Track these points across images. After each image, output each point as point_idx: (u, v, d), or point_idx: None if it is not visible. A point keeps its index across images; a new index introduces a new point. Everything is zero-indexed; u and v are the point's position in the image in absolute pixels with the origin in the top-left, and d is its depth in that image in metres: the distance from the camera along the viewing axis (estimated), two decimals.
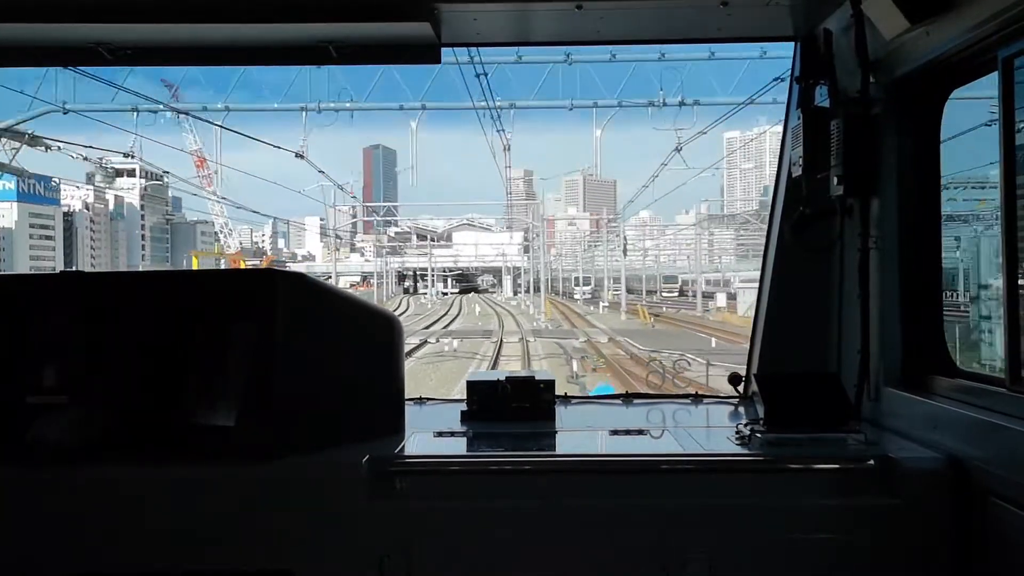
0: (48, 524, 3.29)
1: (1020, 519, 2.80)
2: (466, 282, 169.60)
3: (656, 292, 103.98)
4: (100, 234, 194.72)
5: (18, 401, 3.42)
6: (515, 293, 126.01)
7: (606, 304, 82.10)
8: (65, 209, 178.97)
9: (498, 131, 33.40)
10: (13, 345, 3.52)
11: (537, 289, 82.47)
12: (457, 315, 76.84)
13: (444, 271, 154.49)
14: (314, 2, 3.79)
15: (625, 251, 78.02)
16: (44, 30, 3.89)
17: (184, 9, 3.77)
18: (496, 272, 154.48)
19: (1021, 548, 2.82)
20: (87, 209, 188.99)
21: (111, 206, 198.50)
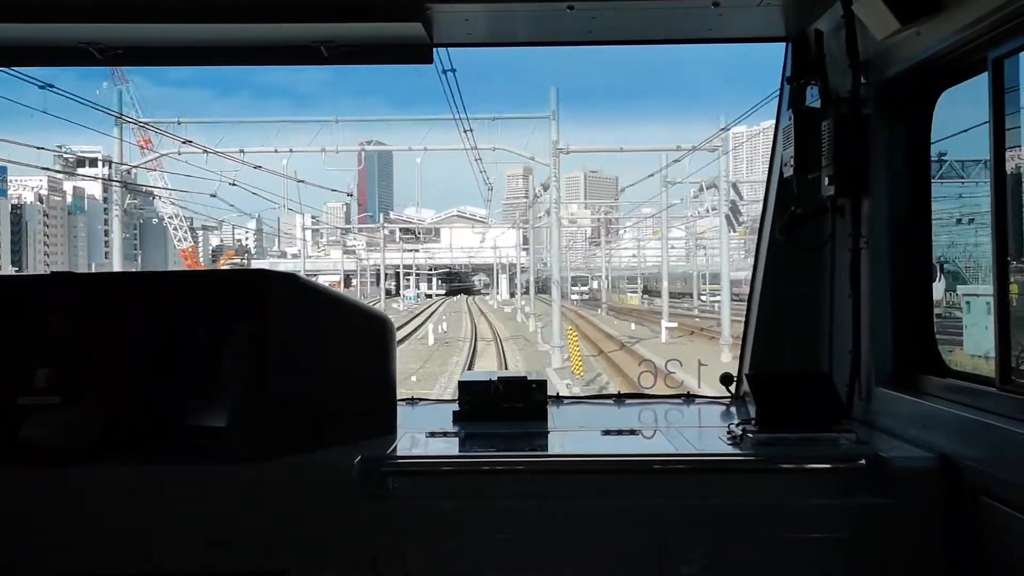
0: (42, 525, 3.27)
1: (1011, 518, 2.82)
2: (455, 282, 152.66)
3: (688, 295, 78.09)
4: (56, 229, 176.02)
5: (11, 402, 3.40)
6: (512, 295, 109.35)
7: (671, 323, 45.36)
8: (14, 201, 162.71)
9: (464, 127, 32.62)
10: (5, 346, 3.50)
11: (541, 290, 58.17)
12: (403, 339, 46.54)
13: (430, 269, 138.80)
14: (305, 2, 3.78)
15: (736, 218, 39.33)
16: (34, 30, 3.87)
17: (175, 9, 3.76)
18: (494, 271, 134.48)
19: (1012, 546, 2.83)
20: (40, 202, 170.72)
21: (69, 198, 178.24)
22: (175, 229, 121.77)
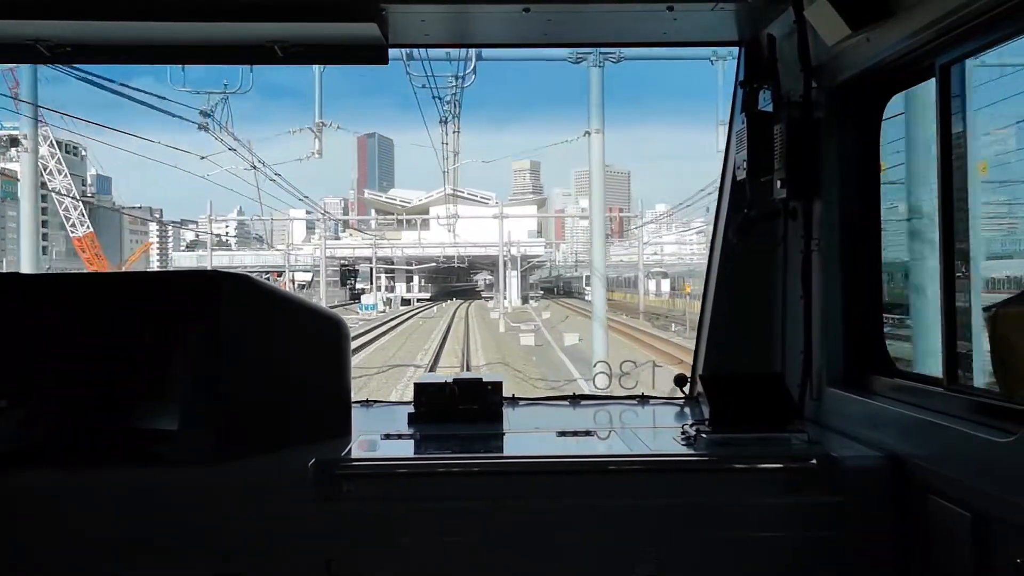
0: None
1: (957, 515, 2.87)
2: (448, 281, 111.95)
3: None
4: None
5: None
6: (525, 301, 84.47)
7: None
8: None
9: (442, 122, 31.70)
10: None
11: (566, 292, 39.10)
12: None
13: (409, 264, 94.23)
14: (260, 1, 3.74)
15: None
16: None
17: (126, 7, 3.70)
18: (499, 267, 72.09)
19: (959, 543, 2.88)
20: None
21: None
22: (66, 210, 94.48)
